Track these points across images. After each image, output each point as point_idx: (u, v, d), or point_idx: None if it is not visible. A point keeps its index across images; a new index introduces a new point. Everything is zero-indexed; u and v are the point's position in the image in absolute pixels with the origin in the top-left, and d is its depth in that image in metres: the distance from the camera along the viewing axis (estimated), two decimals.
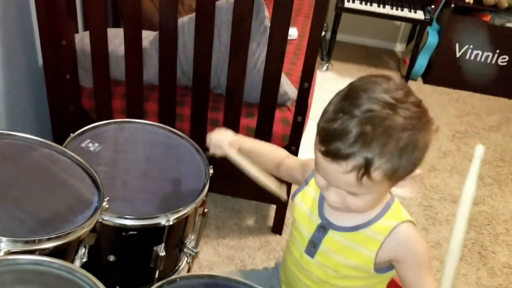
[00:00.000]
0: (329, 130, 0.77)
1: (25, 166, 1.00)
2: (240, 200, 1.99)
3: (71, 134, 1.23)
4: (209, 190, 1.18)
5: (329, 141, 0.76)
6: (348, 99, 0.78)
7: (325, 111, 0.80)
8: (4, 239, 0.77)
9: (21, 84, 1.69)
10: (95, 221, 0.92)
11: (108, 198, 0.97)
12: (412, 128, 0.75)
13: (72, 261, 0.92)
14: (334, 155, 0.76)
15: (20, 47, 1.65)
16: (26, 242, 0.79)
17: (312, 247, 0.94)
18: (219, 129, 1.12)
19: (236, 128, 1.62)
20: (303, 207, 0.98)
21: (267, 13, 1.50)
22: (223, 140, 1.08)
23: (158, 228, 1.10)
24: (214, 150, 1.09)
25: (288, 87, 1.66)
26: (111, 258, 1.13)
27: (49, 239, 0.82)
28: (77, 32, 1.75)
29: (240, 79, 1.53)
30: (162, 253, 1.13)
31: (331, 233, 0.92)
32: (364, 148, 0.74)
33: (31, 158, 1.02)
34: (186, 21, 1.52)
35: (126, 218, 1.07)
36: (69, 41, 1.57)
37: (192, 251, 1.24)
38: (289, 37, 1.43)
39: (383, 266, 0.91)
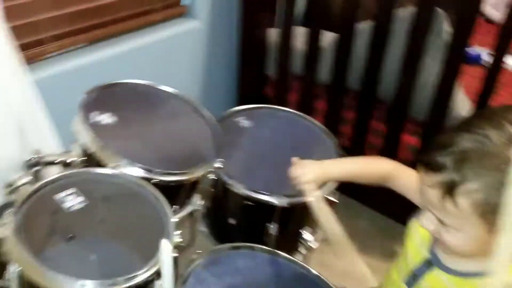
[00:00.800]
0: (438, 140, 0.72)
1: (165, 113, 1.21)
2: (391, 220, 1.88)
3: (230, 110, 1.40)
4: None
5: (431, 151, 0.72)
6: (476, 118, 0.72)
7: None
8: (125, 161, 0.99)
9: (219, 69, 1.97)
10: (202, 173, 1.07)
11: (223, 159, 1.10)
12: None
13: (182, 204, 1.09)
14: (427, 163, 0.72)
15: (221, 37, 1.91)
16: (142, 169, 1.00)
17: (413, 279, 0.88)
18: (303, 164, 0.99)
19: (395, 143, 1.56)
20: (416, 235, 0.91)
21: (446, 27, 1.40)
22: (302, 177, 0.96)
23: (271, 206, 1.16)
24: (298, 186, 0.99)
25: (466, 111, 1.51)
26: (232, 221, 1.27)
27: (162, 173, 1.01)
28: (274, 26, 1.94)
29: (407, 92, 1.47)
30: (274, 232, 1.20)
31: (436, 271, 0.85)
32: (456, 165, 0.67)
33: (172, 109, 1.23)
34: (365, 27, 1.54)
35: (245, 189, 1.17)
36: (262, 34, 1.77)
37: (308, 243, 1.27)
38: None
39: None
